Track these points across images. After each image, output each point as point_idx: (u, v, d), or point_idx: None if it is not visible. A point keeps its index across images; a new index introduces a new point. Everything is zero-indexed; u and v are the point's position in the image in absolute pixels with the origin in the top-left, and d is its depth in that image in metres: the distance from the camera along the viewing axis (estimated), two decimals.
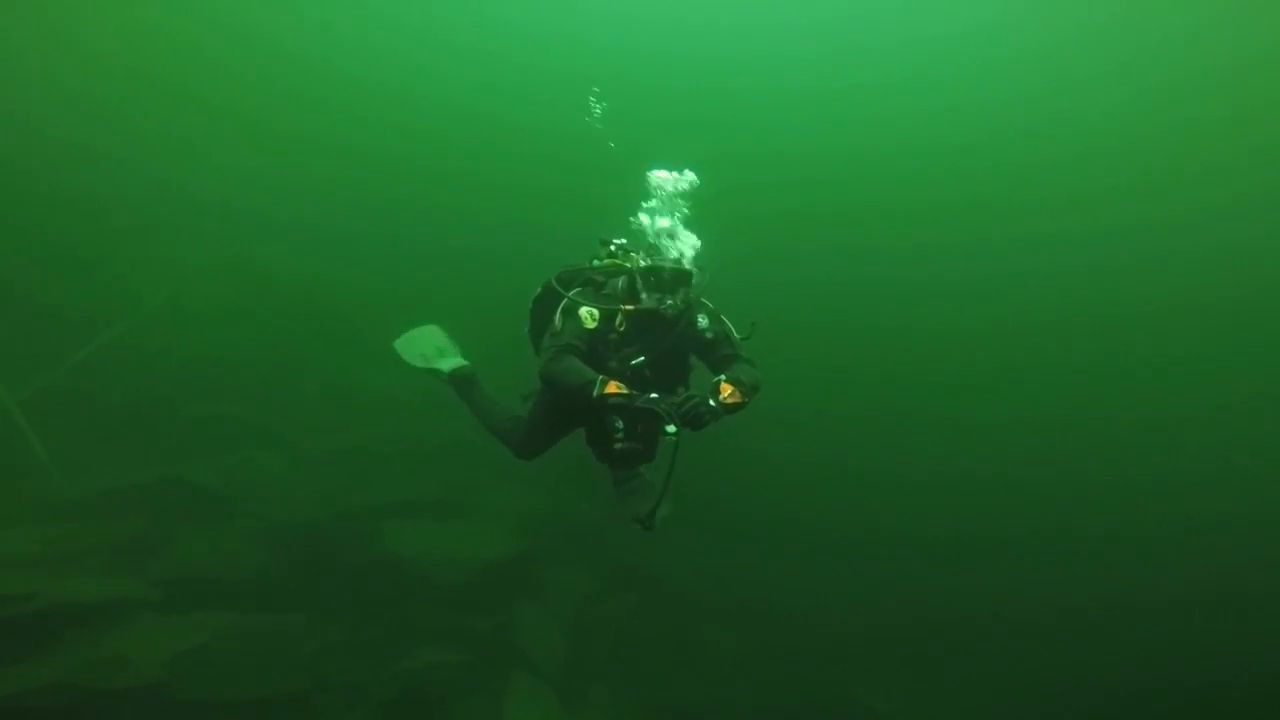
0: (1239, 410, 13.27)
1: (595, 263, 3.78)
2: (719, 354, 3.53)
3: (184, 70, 17.14)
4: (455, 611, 7.71)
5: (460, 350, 4.48)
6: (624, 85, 17.87)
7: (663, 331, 3.44)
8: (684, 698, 7.88)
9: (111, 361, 9.71)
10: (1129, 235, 16.18)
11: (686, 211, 3.59)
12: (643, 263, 3.47)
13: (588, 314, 3.41)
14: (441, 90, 19.49)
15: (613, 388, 3.11)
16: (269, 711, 6.24)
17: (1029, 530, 10.88)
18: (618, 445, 3.31)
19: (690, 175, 3.61)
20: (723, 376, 3.29)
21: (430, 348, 4.45)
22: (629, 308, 3.42)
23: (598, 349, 3.42)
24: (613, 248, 3.78)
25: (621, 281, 3.58)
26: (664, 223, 3.54)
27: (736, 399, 3.19)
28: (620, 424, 3.29)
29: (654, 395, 3.14)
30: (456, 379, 4.36)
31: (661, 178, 3.58)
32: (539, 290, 3.89)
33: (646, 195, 3.61)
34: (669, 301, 3.36)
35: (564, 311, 3.47)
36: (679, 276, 3.41)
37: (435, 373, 4.34)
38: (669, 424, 2.99)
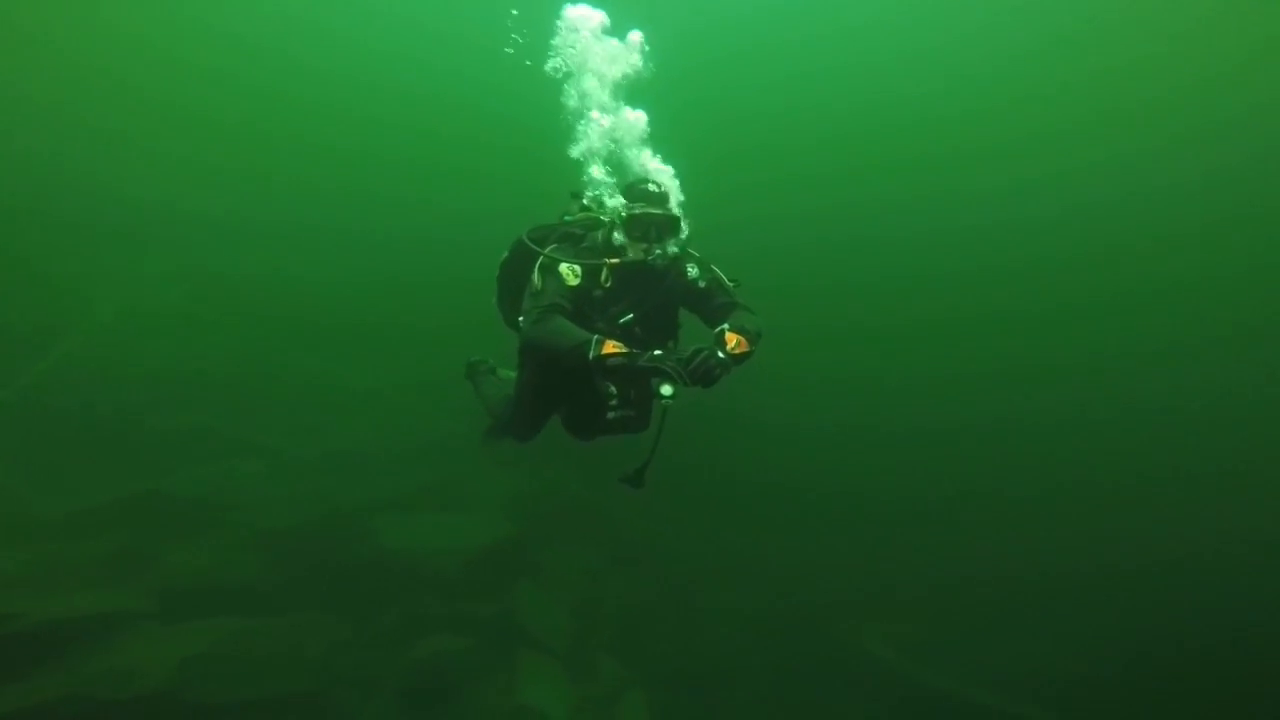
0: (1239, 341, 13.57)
1: (568, 218, 3.47)
2: (715, 303, 3.27)
3: (124, 66, 16.30)
4: (457, 600, 7.76)
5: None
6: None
7: (653, 285, 3.16)
8: (693, 662, 8.06)
9: (69, 375, 9.32)
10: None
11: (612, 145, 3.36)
12: (624, 212, 3.11)
13: (569, 270, 3.06)
14: (394, 79, 18.93)
15: (610, 347, 2.78)
16: (285, 709, 6.21)
17: (1030, 487, 11.00)
18: (611, 414, 3.01)
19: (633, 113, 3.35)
20: (725, 325, 3.04)
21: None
22: (614, 261, 3.09)
23: (582, 308, 3.09)
24: (585, 200, 3.48)
25: (602, 234, 3.25)
26: (651, 162, 3.31)
27: (744, 348, 2.96)
28: (614, 389, 2.99)
29: (657, 352, 2.80)
30: (471, 369, 4.50)
31: (600, 120, 3.34)
32: (506, 254, 3.52)
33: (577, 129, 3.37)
34: (658, 251, 3.06)
35: (542, 269, 3.11)
36: (667, 223, 3.11)
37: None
38: (678, 382, 2.71)
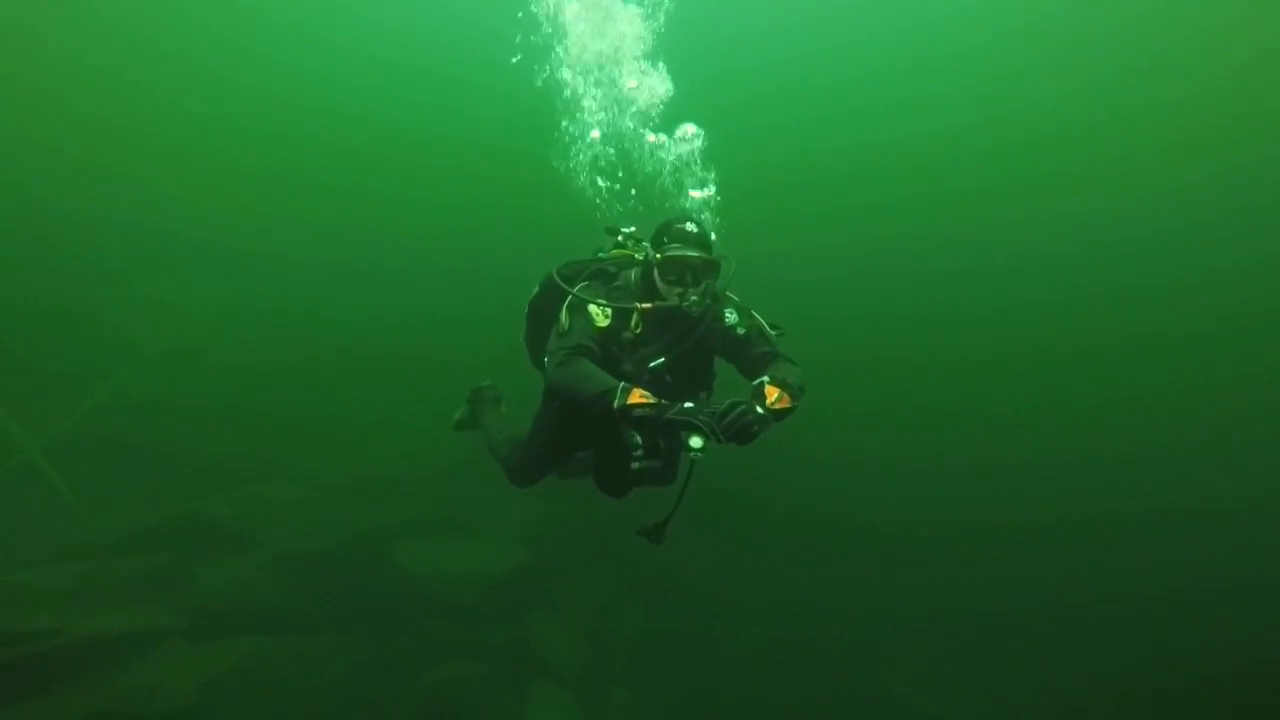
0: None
1: (601, 254, 3.37)
2: (755, 353, 3.05)
3: (174, 127, 17.34)
4: (472, 626, 7.89)
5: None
6: None
7: (686, 331, 3.01)
8: (707, 696, 7.96)
9: (119, 408, 9.98)
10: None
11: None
12: (659, 254, 2.93)
13: (598, 310, 2.95)
14: (408, 116, 19.78)
15: (637, 396, 2.60)
16: None
17: (1048, 521, 10.85)
18: (635, 465, 2.76)
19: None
20: (766, 378, 2.81)
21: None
22: (645, 306, 2.95)
23: (610, 350, 2.97)
24: (620, 237, 3.38)
25: (635, 274, 3.11)
26: (698, 194, 3.26)
27: (785, 403, 2.72)
28: (639, 440, 2.74)
29: (688, 404, 2.61)
30: (476, 394, 4.38)
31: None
32: (536, 290, 3.43)
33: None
34: (692, 298, 2.90)
35: (570, 308, 2.99)
36: (704, 267, 2.93)
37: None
38: (709, 438, 2.52)
